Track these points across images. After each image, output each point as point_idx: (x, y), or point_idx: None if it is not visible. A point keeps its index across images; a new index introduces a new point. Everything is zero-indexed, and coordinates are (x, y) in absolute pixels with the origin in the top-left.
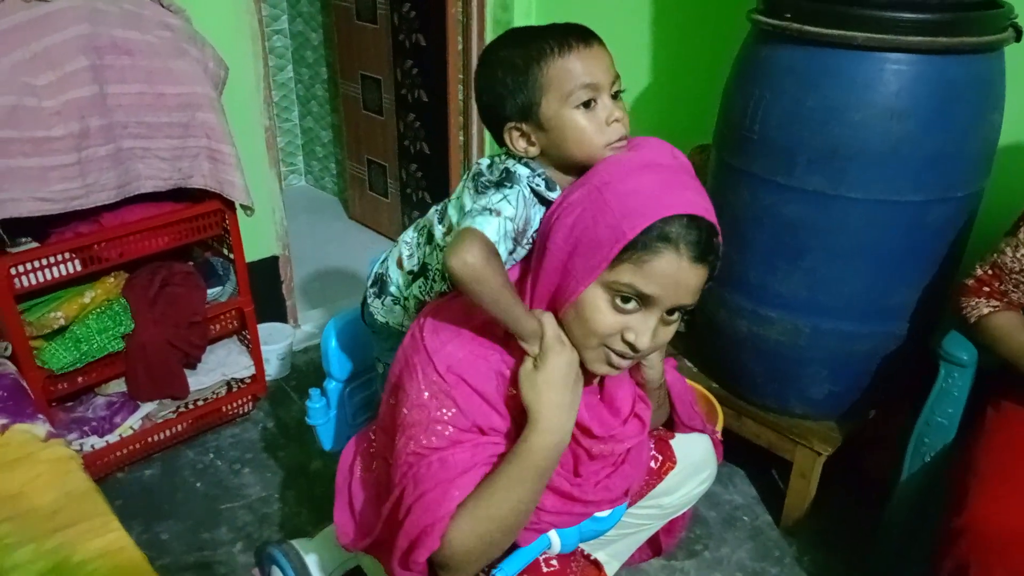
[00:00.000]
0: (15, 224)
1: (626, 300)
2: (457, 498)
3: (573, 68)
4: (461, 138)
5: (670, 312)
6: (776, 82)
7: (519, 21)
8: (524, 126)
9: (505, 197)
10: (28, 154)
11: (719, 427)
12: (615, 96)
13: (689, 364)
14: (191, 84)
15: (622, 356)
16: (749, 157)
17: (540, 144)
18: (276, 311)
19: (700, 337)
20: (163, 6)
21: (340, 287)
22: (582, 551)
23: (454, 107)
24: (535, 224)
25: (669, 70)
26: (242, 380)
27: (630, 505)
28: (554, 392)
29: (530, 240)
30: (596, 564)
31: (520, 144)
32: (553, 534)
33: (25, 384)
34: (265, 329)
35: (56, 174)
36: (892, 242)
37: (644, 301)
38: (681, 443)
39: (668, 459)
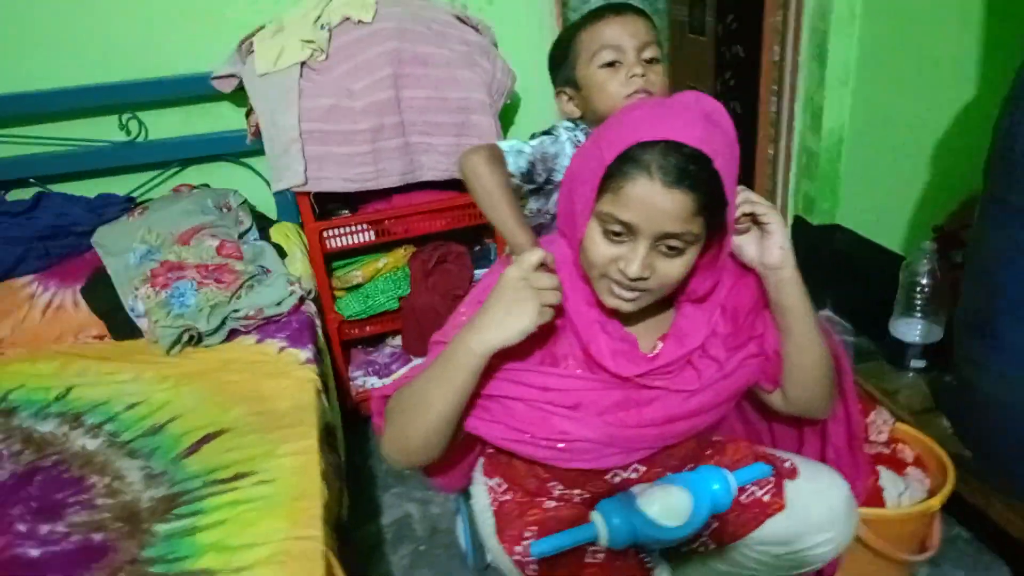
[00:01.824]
0: (330, 198)
1: (615, 232)
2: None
3: (600, 32)
4: (770, 151)
5: (669, 246)
6: None
7: (836, 29)
8: (568, 90)
9: (537, 136)
10: (340, 143)
11: (942, 495)
12: (649, 61)
13: (946, 424)
14: (470, 91)
15: (621, 286)
16: (1007, 183)
17: (580, 105)
18: None
19: (954, 393)
20: (469, 25)
21: None
22: (636, 553)
23: (764, 119)
24: (559, 164)
25: (997, 82)
26: None
27: (730, 538)
28: (491, 299)
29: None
30: (644, 568)
31: (567, 107)
32: (600, 522)
33: (317, 322)
34: None
35: (357, 159)
36: None
37: (629, 230)
38: (800, 491)
39: (777, 499)
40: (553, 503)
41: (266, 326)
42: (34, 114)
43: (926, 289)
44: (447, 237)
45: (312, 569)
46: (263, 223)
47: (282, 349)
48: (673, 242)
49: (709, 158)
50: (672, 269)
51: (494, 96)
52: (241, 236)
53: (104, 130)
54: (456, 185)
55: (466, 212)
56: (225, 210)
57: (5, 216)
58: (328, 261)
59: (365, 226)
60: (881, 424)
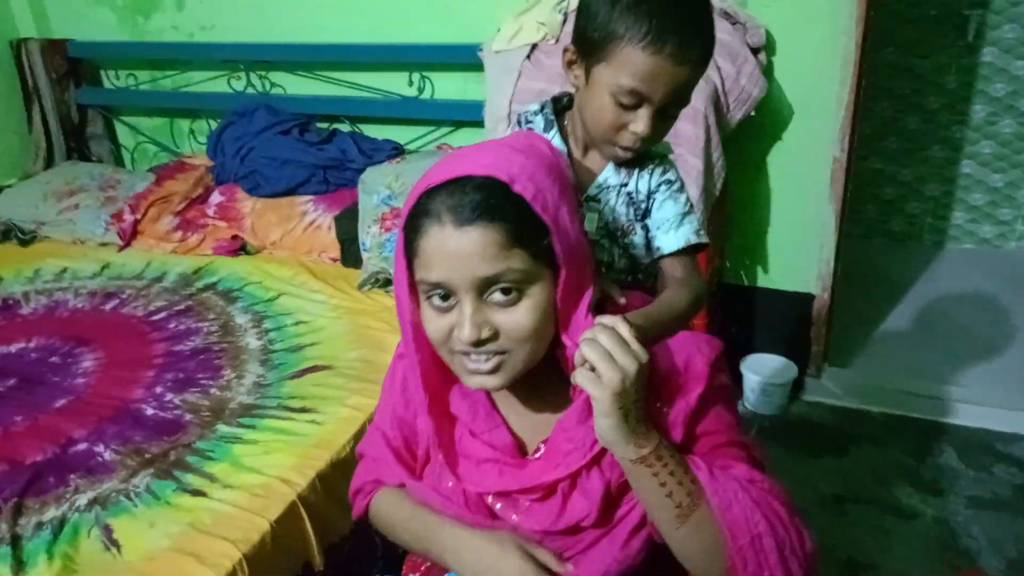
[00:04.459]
0: None
1: (441, 297)
2: (374, 473)
3: (640, 68)
4: None
5: (502, 291)
6: None
7: None
8: (579, 59)
9: None
10: None
11: None
12: (663, 111)
13: None
14: None
15: (471, 358)
16: None
17: (579, 86)
18: (792, 348)
19: None
20: (731, 20)
21: (922, 376)
22: None
23: None
24: None
25: None
26: None
27: None
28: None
29: None
30: None
31: (571, 71)
32: None
33: None
34: (760, 358)
35: None
36: None
37: (448, 290)
38: None
39: None
40: None
41: None
42: (346, 63)
43: None
44: None
45: (271, 508)
46: None
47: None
48: (500, 287)
49: (505, 183)
50: (517, 319)
51: (726, 104)
52: None
53: (398, 84)
54: None
55: None
56: None
57: (304, 143)
58: None
59: None
60: None
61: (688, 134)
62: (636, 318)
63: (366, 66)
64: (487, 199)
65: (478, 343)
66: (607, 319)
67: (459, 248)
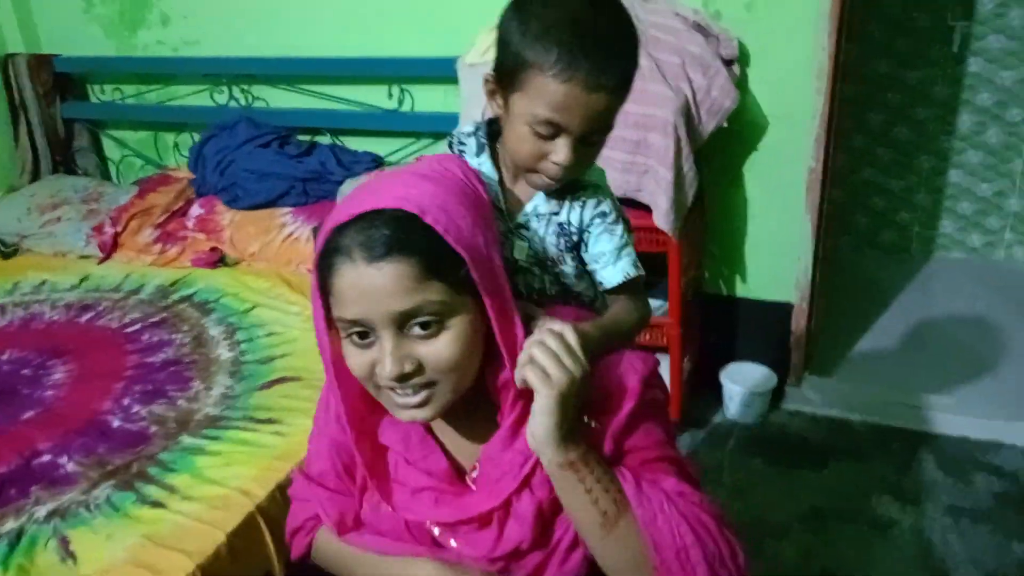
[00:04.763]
0: None
1: (359, 335)
2: (309, 511)
3: (552, 97)
4: None
5: (421, 325)
6: None
7: None
8: (498, 88)
9: None
10: None
11: None
12: (585, 139)
13: None
14: (653, 107)
15: (397, 392)
16: None
17: (501, 115)
18: (773, 358)
19: None
20: (704, 32)
21: (903, 385)
22: None
23: None
24: None
25: None
26: None
27: None
28: None
29: None
30: None
31: (493, 101)
32: None
33: None
34: (741, 367)
35: None
36: None
37: (364, 327)
38: None
39: None
40: None
41: None
42: (328, 76)
43: None
44: None
45: (229, 520)
46: None
47: None
48: (419, 320)
49: (415, 215)
50: (439, 350)
51: (698, 115)
52: None
53: (378, 97)
54: (632, 203)
55: (637, 236)
56: None
57: (284, 156)
58: None
59: None
60: None
61: (658, 145)
62: (585, 327)
63: (347, 79)
64: (397, 232)
65: (402, 377)
66: (556, 325)
67: (372, 284)
